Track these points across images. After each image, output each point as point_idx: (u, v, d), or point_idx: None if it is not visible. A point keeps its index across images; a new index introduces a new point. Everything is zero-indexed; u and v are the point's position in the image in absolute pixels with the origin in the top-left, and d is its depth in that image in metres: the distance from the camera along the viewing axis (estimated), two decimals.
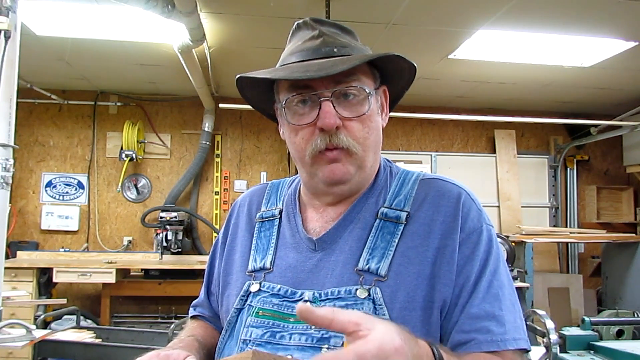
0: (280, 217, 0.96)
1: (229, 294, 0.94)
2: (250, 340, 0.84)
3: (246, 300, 0.89)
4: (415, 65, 0.91)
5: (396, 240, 0.84)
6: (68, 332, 2.84)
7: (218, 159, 5.24)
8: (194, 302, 1.09)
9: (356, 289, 0.81)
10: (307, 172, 0.90)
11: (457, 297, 0.81)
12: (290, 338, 0.81)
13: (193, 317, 1.07)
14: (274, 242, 0.93)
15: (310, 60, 0.85)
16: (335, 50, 0.86)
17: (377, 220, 0.87)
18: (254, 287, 0.89)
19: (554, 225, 5.55)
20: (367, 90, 0.86)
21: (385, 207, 0.88)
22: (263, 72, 0.86)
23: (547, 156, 5.66)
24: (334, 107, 0.83)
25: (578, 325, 1.95)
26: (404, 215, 0.86)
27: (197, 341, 0.95)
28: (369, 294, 0.80)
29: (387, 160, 0.99)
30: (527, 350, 0.82)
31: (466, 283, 0.81)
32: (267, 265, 0.91)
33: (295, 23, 0.94)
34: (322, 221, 0.91)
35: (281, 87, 0.88)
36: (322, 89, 0.83)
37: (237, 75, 0.89)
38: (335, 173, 0.85)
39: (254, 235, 0.96)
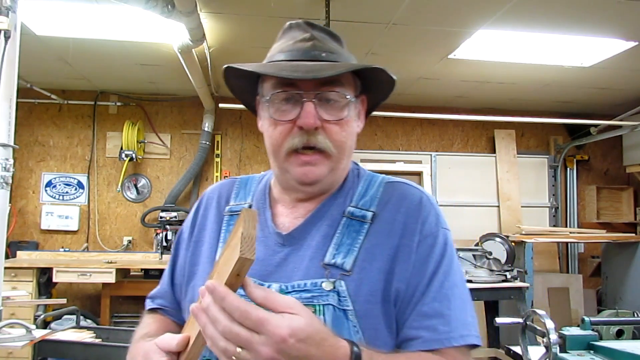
0: None
1: (194, 284, 0.97)
2: None
3: None
4: (395, 79, 0.95)
5: (362, 238, 0.89)
6: (68, 332, 2.83)
7: (218, 159, 5.25)
8: (152, 293, 1.09)
9: (322, 282, 0.85)
10: (279, 166, 0.93)
11: (411, 295, 0.86)
12: None
13: (151, 309, 1.07)
14: None
15: (298, 61, 0.88)
16: (323, 55, 0.89)
17: (344, 219, 0.92)
18: None
19: (554, 225, 5.55)
20: (348, 97, 0.89)
21: (352, 207, 0.93)
22: (252, 66, 0.89)
23: (547, 156, 5.66)
24: (315, 108, 0.87)
25: (578, 325, 1.95)
26: (369, 214, 0.91)
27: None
28: (334, 287, 0.85)
29: (355, 163, 1.03)
30: (477, 346, 0.86)
31: (420, 283, 0.86)
32: None
33: (288, 23, 0.96)
34: (292, 217, 0.95)
35: (267, 83, 0.91)
36: (307, 90, 0.87)
37: (225, 65, 0.92)
38: (308, 176, 0.89)
39: (223, 228, 0.99)
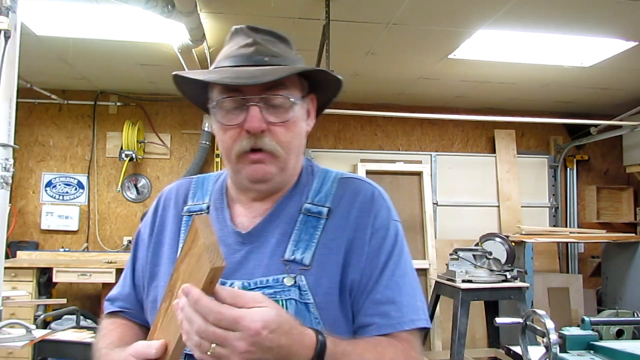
0: (208, 212, 1.02)
1: (157, 284, 0.99)
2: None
3: None
4: (340, 78, 0.98)
5: (319, 233, 0.93)
6: (68, 332, 2.83)
7: (218, 159, 5.24)
8: (111, 295, 1.09)
9: (283, 278, 0.89)
10: (232, 168, 0.97)
11: (365, 285, 0.92)
12: None
13: (111, 313, 1.07)
14: None
15: (242, 67, 0.91)
16: (266, 59, 0.92)
17: (301, 215, 0.96)
18: None
19: (554, 225, 5.55)
20: (292, 99, 0.93)
21: (308, 204, 0.97)
22: (197, 73, 0.93)
23: (547, 156, 5.66)
24: (261, 112, 0.90)
25: (578, 325, 1.95)
26: (325, 210, 0.96)
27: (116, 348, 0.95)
28: (295, 282, 0.89)
29: (309, 159, 1.07)
30: (427, 328, 0.93)
31: (373, 273, 0.92)
32: None
33: (234, 28, 1.00)
34: (250, 216, 0.98)
35: (214, 88, 0.94)
36: (251, 94, 0.90)
37: (173, 73, 0.95)
38: (257, 172, 0.93)
39: (182, 228, 1.01)
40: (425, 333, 0.97)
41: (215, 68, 0.95)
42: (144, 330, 1.03)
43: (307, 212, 0.96)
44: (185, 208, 1.04)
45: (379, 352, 0.86)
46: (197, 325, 0.68)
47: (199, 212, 1.02)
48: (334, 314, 0.89)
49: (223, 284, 0.89)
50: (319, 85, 1.00)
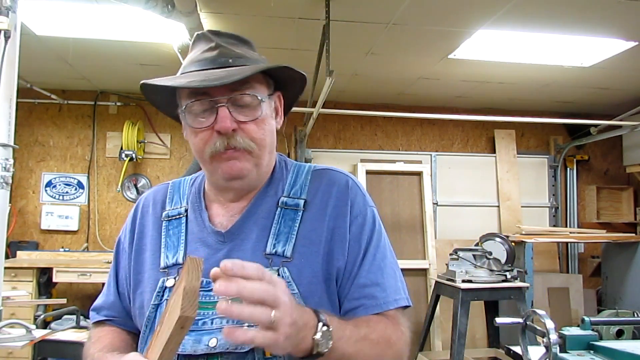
0: (186, 215, 1.03)
1: (142, 291, 1.00)
2: None
3: (163, 295, 0.95)
4: (305, 74, 1.00)
5: (297, 225, 0.96)
6: (68, 332, 2.83)
7: None
8: (96, 305, 1.09)
9: None
10: (207, 169, 0.98)
11: (350, 271, 0.96)
12: (212, 323, 0.89)
13: (98, 322, 1.08)
14: (184, 239, 1.00)
15: (207, 70, 0.93)
16: (230, 60, 0.94)
17: (279, 209, 0.98)
18: (170, 283, 0.95)
19: (554, 225, 5.55)
20: (259, 97, 0.95)
21: (285, 197, 1.00)
22: (165, 80, 0.94)
23: (547, 156, 5.66)
24: (230, 112, 0.91)
25: (578, 325, 1.94)
26: (301, 202, 0.99)
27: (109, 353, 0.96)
28: (278, 274, 0.91)
29: (281, 155, 1.08)
30: (407, 306, 0.99)
31: (356, 259, 0.96)
32: (180, 260, 0.97)
33: (195, 34, 1.02)
34: (228, 215, 1.00)
35: (182, 94, 0.95)
36: (219, 96, 0.92)
37: (141, 82, 0.96)
38: (233, 169, 0.94)
39: (162, 233, 1.02)
40: (406, 311, 1.01)
41: (181, 74, 0.97)
42: (132, 336, 1.04)
43: (284, 205, 0.98)
44: (164, 213, 1.05)
45: (371, 326, 0.90)
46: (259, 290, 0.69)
47: (177, 216, 1.03)
48: (318, 302, 0.91)
49: (209, 283, 0.90)
50: (284, 83, 1.02)
